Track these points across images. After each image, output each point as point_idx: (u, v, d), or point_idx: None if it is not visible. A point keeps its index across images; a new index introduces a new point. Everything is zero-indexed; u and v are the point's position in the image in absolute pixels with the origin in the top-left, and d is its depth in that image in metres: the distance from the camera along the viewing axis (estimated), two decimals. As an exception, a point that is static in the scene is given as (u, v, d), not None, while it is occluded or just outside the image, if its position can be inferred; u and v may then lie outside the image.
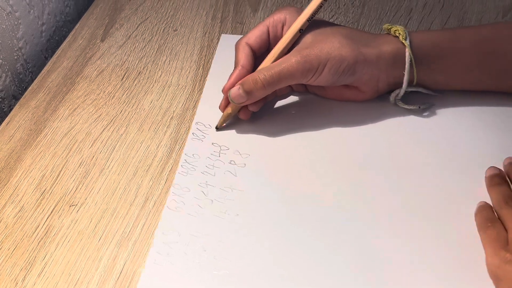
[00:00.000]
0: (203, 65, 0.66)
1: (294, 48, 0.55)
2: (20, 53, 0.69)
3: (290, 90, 0.62)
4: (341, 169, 0.54)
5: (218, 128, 0.58)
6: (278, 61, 0.54)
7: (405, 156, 0.55)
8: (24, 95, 0.63)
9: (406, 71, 0.55)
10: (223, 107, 0.58)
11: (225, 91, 0.56)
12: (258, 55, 0.57)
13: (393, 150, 0.55)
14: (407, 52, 0.54)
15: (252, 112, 0.58)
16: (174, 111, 0.60)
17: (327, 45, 0.54)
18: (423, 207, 0.50)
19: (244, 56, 0.56)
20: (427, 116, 0.59)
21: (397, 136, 0.57)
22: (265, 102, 0.59)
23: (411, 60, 0.55)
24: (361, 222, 0.49)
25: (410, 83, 0.57)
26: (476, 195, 0.51)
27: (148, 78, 0.65)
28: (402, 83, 0.56)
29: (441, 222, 0.49)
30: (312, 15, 0.55)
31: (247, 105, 0.57)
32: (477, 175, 0.52)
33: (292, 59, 0.53)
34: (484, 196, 0.50)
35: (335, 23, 0.59)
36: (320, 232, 0.48)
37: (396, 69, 0.56)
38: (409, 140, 0.56)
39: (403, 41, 0.55)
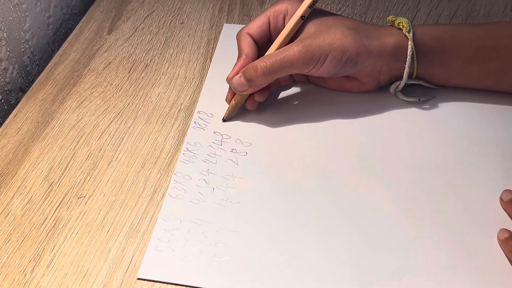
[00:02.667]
0: (210, 57, 0.66)
1: (297, 38, 0.55)
2: (27, 45, 0.69)
3: (292, 80, 0.62)
4: (341, 159, 0.54)
5: (225, 120, 0.58)
6: (280, 49, 0.54)
7: (405, 147, 0.55)
8: (31, 88, 0.63)
9: (407, 64, 0.55)
10: (229, 99, 0.58)
11: (229, 80, 0.56)
12: (259, 45, 0.57)
13: (393, 141, 0.55)
14: (410, 44, 0.54)
15: (258, 102, 0.58)
16: (181, 103, 0.60)
17: (330, 36, 0.53)
18: (422, 199, 0.50)
19: (247, 45, 0.56)
20: (427, 109, 0.58)
21: (398, 127, 0.57)
22: (270, 92, 0.59)
23: (412, 53, 0.54)
24: (360, 211, 0.49)
25: (410, 76, 0.57)
26: (475, 187, 0.51)
27: (155, 70, 0.65)
28: (403, 75, 0.56)
29: (439, 213, 0.49)
30: (314, 1, 0.55)
31: (253, 95, 0.57)
32: (475, 167, 0.53)
33: (294, 48, 0.53)
34: (481, 187, 0.51)
35: (341, 15, 0.58)
36: (319, 221, 0.49)
37: (398, 61, 0.55)
38: (409, 132, 0.56)
39: (406, 34, 0.54)
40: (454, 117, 0.57)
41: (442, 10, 0.72)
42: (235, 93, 0.56)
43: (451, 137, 0.55)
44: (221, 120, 0.58)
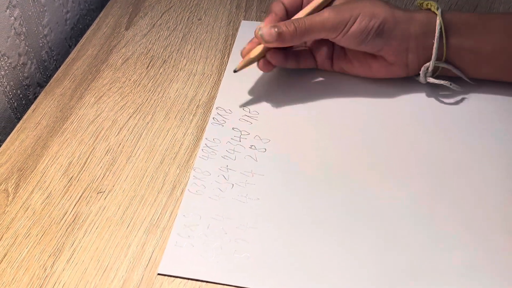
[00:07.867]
0: (228, 54, 0.66)
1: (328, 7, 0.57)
2: (45, 40, 0.69)
3: (313, 66, 0.62)
4: (361, 157, 0.53)
5: (236, 71, 0.58)
6: (311, 14, 0.56)
7: (425, 145, 0.54)
8: (49, 83, 0.63)
9: (435, 39, 0.55)
10: (246, 52, 0.58)
11: (257, 31, 0.56)
12: (291, 16, 0.58)
13: (413, 139, 0.55)
14: (438, 19, 0.55)
15: (272, 66, 0.58)
16: (200, 100, 0.60)
17: (361, 3, 0.55)
18: (441, 197, 0.50)
19: (278, 8, 0.58)
20: (449, 104, 0.58)
21: (419, 124, 0.56)
22: (285, 63, 0.59)
23: (441, 28, 0.55)
24: (379, 210, 0.49)
25: (439, 58, 0.57)
26: (495, 186, 0.50)
27: (173, 66, 0.65)
28: (431, 55, 0.56)
29: (458, 212, 0.49)
30: None
31: (267, 57, 0.57)
32: (496, 166, 0.52)
33: (325, 12, 0.55)
34: (502, 187, 0.50)
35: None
36: (340, 217, 0.48)
37: (427, 38, 0.55)
38: (429, 130, 0.56)
39: (435, 11, 0.55)
40: (475, 115, 0.57)
41: (461, 8, 0.71)
42: (253, 47, 0.57)
43: (471, 135, 0.55)
44: (232, 71, 0.58)
